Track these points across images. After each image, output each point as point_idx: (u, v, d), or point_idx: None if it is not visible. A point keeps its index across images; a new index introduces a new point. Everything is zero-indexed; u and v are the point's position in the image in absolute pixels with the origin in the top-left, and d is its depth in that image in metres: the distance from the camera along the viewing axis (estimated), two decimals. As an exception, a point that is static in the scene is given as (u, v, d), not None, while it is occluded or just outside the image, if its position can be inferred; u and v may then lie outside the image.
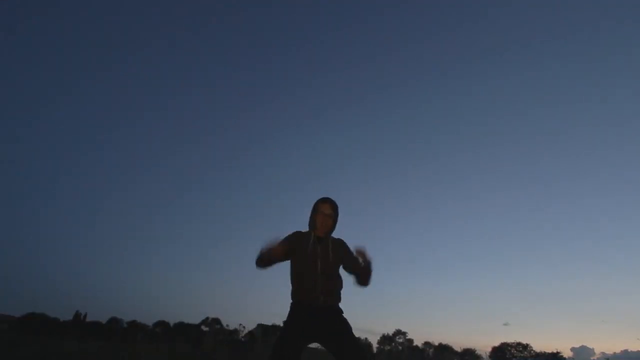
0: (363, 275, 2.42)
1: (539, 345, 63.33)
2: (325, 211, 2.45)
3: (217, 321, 48.88)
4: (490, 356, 44.90)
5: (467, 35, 67.69)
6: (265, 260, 2.35)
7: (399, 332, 51.10)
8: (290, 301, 2.39)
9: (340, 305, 2.41)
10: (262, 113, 72.63)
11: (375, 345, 49.64)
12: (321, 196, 2.54)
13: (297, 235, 2.47)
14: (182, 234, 74.87)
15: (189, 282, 69.95)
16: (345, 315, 2.40)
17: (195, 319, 50.56)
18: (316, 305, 2.29)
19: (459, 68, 69.09)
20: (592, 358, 54.67)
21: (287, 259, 2.44)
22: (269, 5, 69.92)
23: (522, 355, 45.67)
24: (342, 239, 2.58)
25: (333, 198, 2.55)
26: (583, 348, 54.82)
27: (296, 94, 72.33)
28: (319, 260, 2.36)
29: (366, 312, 69.11)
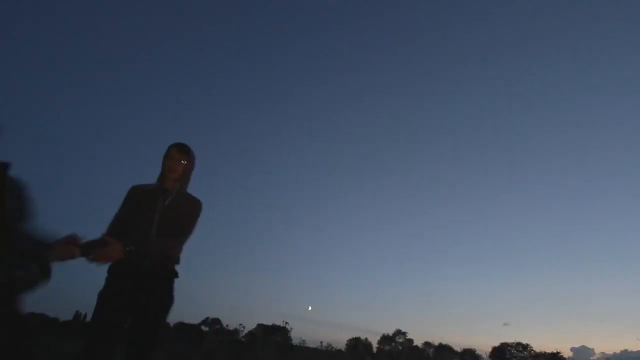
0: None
1: (539, 345, 63.23)
2: (175, 155, 2.16)
3: (217, 321, 48.87)
4: (490, 356, 44.88)
5: (467, 36, 67.62)
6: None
7: (399, 332, 51.07)
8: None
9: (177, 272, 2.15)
10: (265, 113, 72.60)
11: (375, 345, 49.61)
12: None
13: (139, 188, 2.16)
14: (182, 234, 74.48)
15: (189, 282, 69.96)
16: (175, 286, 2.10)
17: (195, 319, 50.58)
18: (141, 268, 1.98)
19: (462, 67, 69.00)
20: (592, 358, 54.55)
21: None
22: (273, 4, 69.86)
23: (522, 355, 45.66)
24: (200, 201, 2.24)
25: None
26: (583, 348, 54.70)
27: (294, 95, 72.33)
28: (158, 213, 2.08)
29: (366, 312, 69.07)
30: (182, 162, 2.17)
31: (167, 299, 2.07)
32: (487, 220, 73.55)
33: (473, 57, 68.80)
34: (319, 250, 78.08)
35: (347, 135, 74.41)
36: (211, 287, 69.55)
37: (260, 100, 72.73)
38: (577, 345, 55.61)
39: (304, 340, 9.34)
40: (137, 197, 2.14)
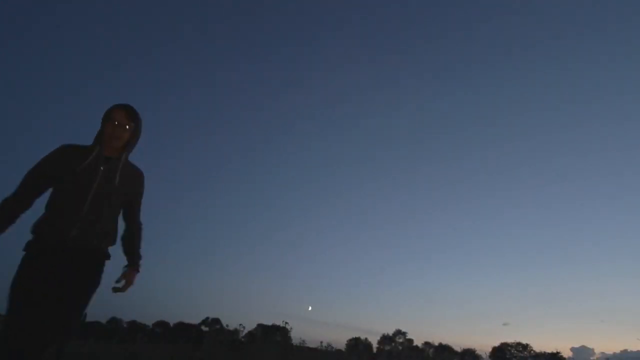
0: (131, 242, 1.99)
1: (539, 345, 63.43)
2: (119, 119, 1.80)
3: (217, 321, 48.88)
4: (490, 356, 44.87)
5: (468, 35, 67.59)
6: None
7: (399, 332, 51.12)
8: (30, 238, 1.70)
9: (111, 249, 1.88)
10: (264, 113, 72.63)
11: (375, 345, 49.63)
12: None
13: (63, 152, 1.77)
14: (181, 233, 74.76)
15: (189, 282, 70.00)
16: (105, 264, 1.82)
17: (195, 319, 50.59)
18: (67, 245, 1.68)
19: (461, 67, 69.00)
20: (591, 358, 54.52)
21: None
22: (271, 3, 69.81)
23: (522, 355, 45.67)
24: (143, 172, 1.97)
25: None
26: (583, 348, 54.66)
27: (294, 95, 72.34)
28: (96, 183, 1.74)
29: (366, 312, 69.08)
30: (127, 127, 1.82)
31: (89, 282, 1.73)
32: (487, 220, 73.59)
33: (473, 57, 68.79)
34: (319, 250, 78.19)
35: (348, 135, 74.43)
36: (211, 287, 69.64)
37: (260, 100, 72.76)
38: (577, 345, 55.61)
39: (304, 340, 9.35)
40: (68, 161, 1.75)
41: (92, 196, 1.74)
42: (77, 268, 1.71)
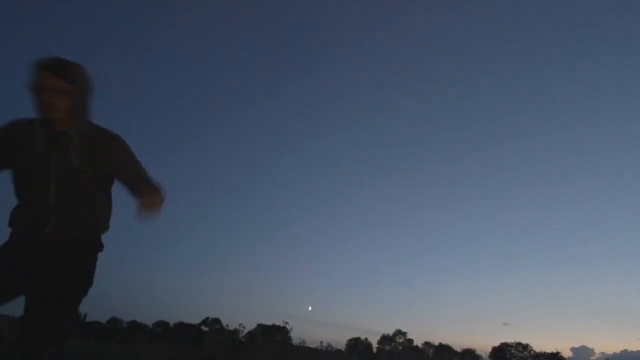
0: (147, 201, 1.49)
1: (539, 345, 63.33)
2: (47, 83, 1.31)
3: (217, 321, 48.89)
4: (490, 356, 44.89)
5: (469, 35, 67.58)
6: None
7: (399, 332, 51.12)
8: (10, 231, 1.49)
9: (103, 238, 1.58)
10: (264, 112, 72.66)
11: (375, 345, 49.64)
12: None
13: (16, 127, 1.42)
14: (181, 233, 74.75)
15: (189, 282, 69.98)
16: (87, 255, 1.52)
17: (195, 319, 50.60)
18: (41, 239, 1.43)
19: (461, 67, 69.00)
20: (591, 358, 54.53)
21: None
22: (271, 3, 69.85)
23: (522, 355, 45.70)
24: (117, 135, 1.52)
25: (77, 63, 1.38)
26: (583, 348, 54.62)
27: (294, 94, 72.28)
28: (52, 167, 1.40)
29: (366, 312, 69.10)
30: (62, 89, 1.33)
31: (77, 278, 1.49)
32: (487, 220, 73.50)
33: (474, 56, 68.81)
34: (318, 250, 78.12)
35: (348, 135, 74.42)
36: (211, 287, 69.62)
37: (259, 99, 72.75)
38: (577, 345, 55.57)
39: (304, 340, 9.36)
40: (20, 139, 1.40)
41: (54, 181, 1.41)
42: (59, 264, 1.44)
